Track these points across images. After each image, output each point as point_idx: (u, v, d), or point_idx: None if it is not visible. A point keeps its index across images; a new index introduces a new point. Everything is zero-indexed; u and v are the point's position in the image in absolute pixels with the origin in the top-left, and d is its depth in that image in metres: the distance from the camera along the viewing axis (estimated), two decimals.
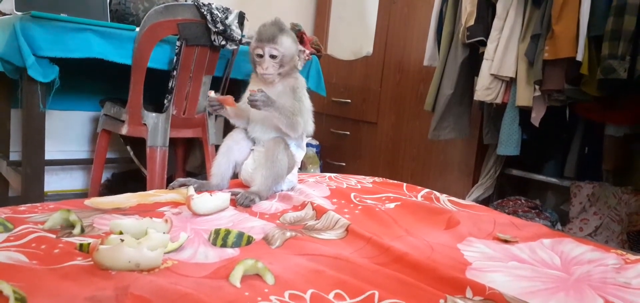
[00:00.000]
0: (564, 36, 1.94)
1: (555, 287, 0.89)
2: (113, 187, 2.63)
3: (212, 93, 1.35)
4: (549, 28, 1.99)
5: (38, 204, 1.10)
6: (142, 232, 0.92)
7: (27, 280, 0.73)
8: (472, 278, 0.88)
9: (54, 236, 0.91)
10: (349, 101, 3.32)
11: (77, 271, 0.79)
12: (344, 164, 3.34)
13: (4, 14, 2.25)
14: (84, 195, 2.62)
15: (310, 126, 1.39)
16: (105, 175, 2.67)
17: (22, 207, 1.07)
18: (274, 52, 1.30)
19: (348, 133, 3.34)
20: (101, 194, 2.33)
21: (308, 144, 3.11)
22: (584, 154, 2.50)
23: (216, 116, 2.43)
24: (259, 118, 1.36)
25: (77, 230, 0.94)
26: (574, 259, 1.03)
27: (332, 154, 3.42)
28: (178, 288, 0.75)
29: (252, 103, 1.25)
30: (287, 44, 1.32)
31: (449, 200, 1.43)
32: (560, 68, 1.99)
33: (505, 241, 1.11)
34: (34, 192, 1.93)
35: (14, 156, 2.40)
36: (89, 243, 0.85)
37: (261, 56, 1.31)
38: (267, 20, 1.35)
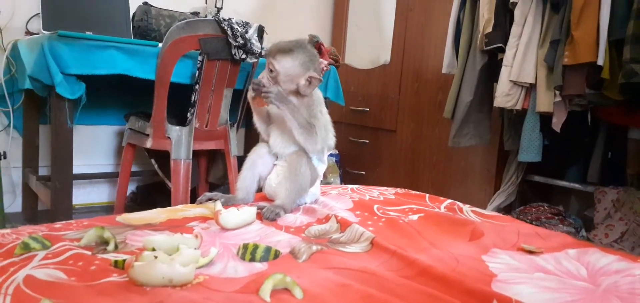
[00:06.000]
0: (584, 41, 1.93)
1: (582, 298, 0.89)
2: (139, 199, 2.68)
3: (265, 78, 1.31)
4: (568, 33, 1.98)
5: (72, 221, 1.13)
6: (174, 248, 0.94)
7: (66, 297, 0.76)
8: (498, 290, 0.88)
9: (89, 253, 0.94)
10: (368, 109, 3.33)
11: (113, 287, 0.81)
12: (363, 173, 3.35)
13: (33, 34, 2.33)
14: (110, 207, 2.68)
15: (331, 140, 1.39)
16: (131, 188, 2.72)
17: (58, 224, 1.10)
18: (272, 67, 1.31)
19: (367, 141, 3.35)
20: (127, 206, 2.38)
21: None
22: (607, 158, 2.47)
23: (237, 128, 2.47)
24: (278, 132, 1.38)
25: (111, 247, 0.97)
26: (601, 269, 1.03)
27: (351, 163, 3.43)
28: None
29: (265, 94, 1.26)
30: (286, 64, 1.30)
31: (472, 211, 1.43)
32: (581, 73, 1.98)
33: (530, 252, 1.11)
34: (62, 205, 1.99)
35: (43, 170, 2.47)
36: (123, 260, 0.88)
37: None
38: (286, 34, 1.37)
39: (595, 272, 1.02)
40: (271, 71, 1.31)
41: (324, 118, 1.37)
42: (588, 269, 1.03)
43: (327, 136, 1.37)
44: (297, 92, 1.33)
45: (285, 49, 1.30)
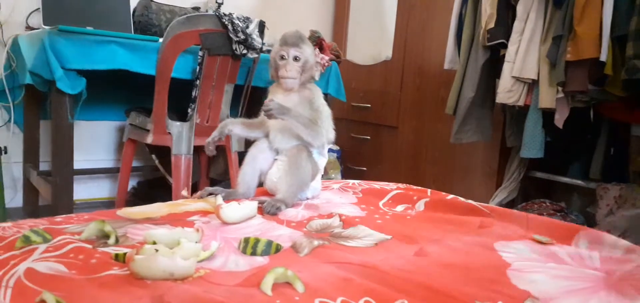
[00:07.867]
0: (587, 37, 1.92)
1: (596, 286, 0.89)
2: (139, 195, 2.68)
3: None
4: (571, 29, 1.97)
5: (73, 215, 1.13)
6: (175, 242, 0.94)
7: (67, 290, 0.76)
8: (511, 279, 0.88)
9: (90, 246, 0.93)
10: (369, 105, 3.32)
11: (114, 280, 0.81)
12: (365, 169, 3.34)
13: (33, 29, 2.32)
14: (111, 203, 2.67)
15: (331, 134, 1.39)
16: (132, 183, 2.72)
17: (58, 218, 1.10)
18: (298, 55, 1.32)
19: (368, 137, 3.34)
20: (128, 202, 2.37)
21: (329, 150, 3.13)
22: (609, 155, 2.45)
23: None
24: (277, 128, 1.37)
25: (112, 241, 0.96)
26: (613, 258, 1.02)
27: (352, 159, 3.43)
28: (211, 296, 0.76)
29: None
30: (308, 50, 1.36)
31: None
32: (584, 69, 1.97)
33: (541, 243, 1.10)
34: (63, 201, 1.99)
35: (44, 166, 2.47)
36: (124, 253, 0.87)
37: (284, 58, 1.32)
38: (287, 29, 1.38)
39: (608, 261, 1.01)
40: (297, 58, 1.33)
41: (326, 110, 1.39)
42: (601, 258, 1.03)
43: (328, 128, 1.37)
44: (302, 84, 1.36)
45: (302, 37, 1.35)
